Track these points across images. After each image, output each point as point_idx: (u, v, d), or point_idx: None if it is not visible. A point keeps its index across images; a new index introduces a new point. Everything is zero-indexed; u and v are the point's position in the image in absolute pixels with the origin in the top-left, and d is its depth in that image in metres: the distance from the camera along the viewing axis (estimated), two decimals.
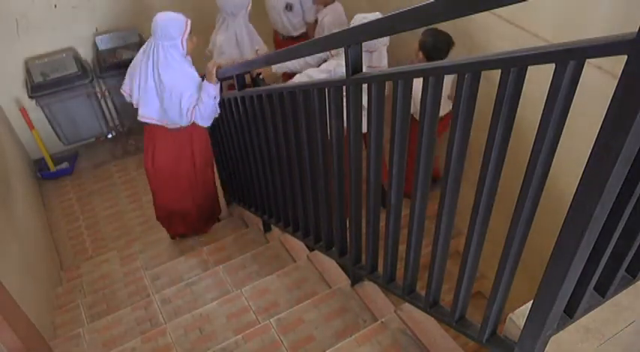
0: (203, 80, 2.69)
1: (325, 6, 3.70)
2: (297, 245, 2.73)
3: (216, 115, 2.79)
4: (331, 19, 3.67)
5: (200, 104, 2.65)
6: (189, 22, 2.61)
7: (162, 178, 3.05)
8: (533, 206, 1.08)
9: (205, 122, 2.74)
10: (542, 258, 1.09)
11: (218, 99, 2.70)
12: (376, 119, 1.51)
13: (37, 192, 4.11)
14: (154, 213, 3.44)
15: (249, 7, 3.30)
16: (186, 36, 2.60)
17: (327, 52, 3.01)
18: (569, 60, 0.88)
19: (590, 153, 0.85)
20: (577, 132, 1.43)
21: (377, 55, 2.94)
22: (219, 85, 2.68)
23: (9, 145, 3.71)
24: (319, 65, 3.17)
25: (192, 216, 3.26)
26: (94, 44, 4.11)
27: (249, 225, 3.35)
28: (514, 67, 0.99)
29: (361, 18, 2.77)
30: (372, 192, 1.69)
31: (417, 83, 1.30)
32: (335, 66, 2.81)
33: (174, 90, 2.62)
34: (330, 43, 1.74)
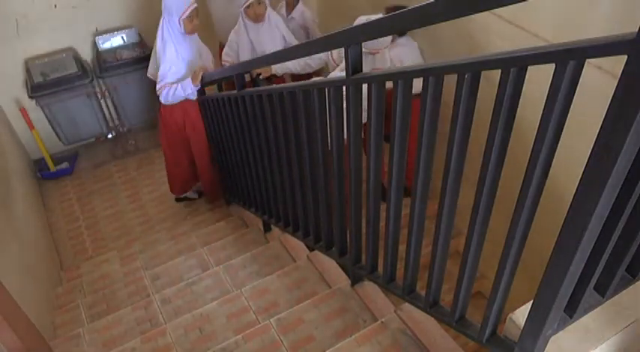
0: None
1: (292, 8, 3.65)
2: (297, 245, 2.73)
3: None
4: (309, 14, 3.64)
5: (171, 89, 2.97)
6: (193, 5, 2.86)
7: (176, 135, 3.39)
8: (533, 206, 1.08)
9: (165, 101, 3.07)
10: (542, 258, 1.09)
11: (190, 97, 3.02)
12: (376, 119, 1.51)
13: (37, 192, 4.11)
14: (154, 212, 3.46)
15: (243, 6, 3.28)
16: (184, 17, 2.85)
17: (328, 52, 3.01)
18: (569, 60, 0.88)
19: (590, 153, 0.85)
20: (577, 132, 1.43)
21: (380, 57, 2.95)
22: (198, 87, 2.97)
23: (9, 145, 3.71)
24: (317, 65, 3.19)
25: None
26: (94, 44, 4.11)
27: (249, 225, 3.35)
28: (514, 67, 0.99)
29: (364, 19, 2.77)
30: (372, 191, 1.69)
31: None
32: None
33: (157, 56, 3.02)
34: (330, 43, 1.74)
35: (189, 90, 2.96)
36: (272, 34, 3.38)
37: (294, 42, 3.44)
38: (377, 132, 1.54)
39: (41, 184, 4.28)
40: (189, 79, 2.94)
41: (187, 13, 2.83)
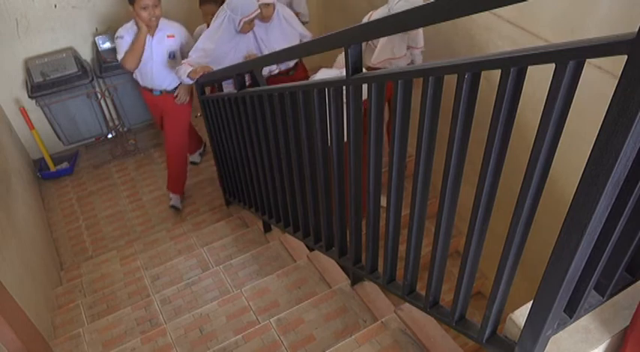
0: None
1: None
2: (297, 245, 2.73)
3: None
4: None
5: (180, 67, 3.10)
6: (258, 10, 3.00)
7: None
8: (533, 206, 1.08)
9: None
10: (542, 258, 1.09)
11: (180, 81, 3.21)
12: (376, 119, 1.51)
13: (37, 192, 4.11)
14: (154, 212, 3.42)
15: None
16: (246, 19, 3.01)
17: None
18: (569, 60, 0.88)
19: (590, 153, 0.85)
20: (577, 132, 1.43)
21: (413, 35, 2.89)
22: (192, 81, 3.08)
23: (9, 145, 3.71)
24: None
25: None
26: (94, 44, 4.11)
27: (249, 225, 3.35)
28: (514, 66, 0.99)
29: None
30: (372, 191, 1.69)
31: None
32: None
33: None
34: (330, 43, 1.74)
35: (186, 80, 3.07)
36: (283, 31, 3.33)
37: (309, 37, 3.38)
38: (377, 132, 1.54)
39: (41, 184, 4.28)
40: (189, 68, 3.03)
41: (251, 16, 2.99)
